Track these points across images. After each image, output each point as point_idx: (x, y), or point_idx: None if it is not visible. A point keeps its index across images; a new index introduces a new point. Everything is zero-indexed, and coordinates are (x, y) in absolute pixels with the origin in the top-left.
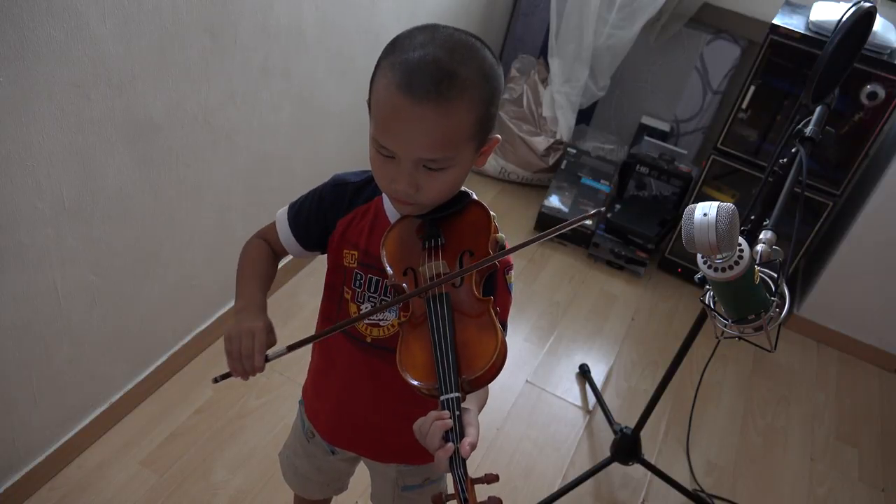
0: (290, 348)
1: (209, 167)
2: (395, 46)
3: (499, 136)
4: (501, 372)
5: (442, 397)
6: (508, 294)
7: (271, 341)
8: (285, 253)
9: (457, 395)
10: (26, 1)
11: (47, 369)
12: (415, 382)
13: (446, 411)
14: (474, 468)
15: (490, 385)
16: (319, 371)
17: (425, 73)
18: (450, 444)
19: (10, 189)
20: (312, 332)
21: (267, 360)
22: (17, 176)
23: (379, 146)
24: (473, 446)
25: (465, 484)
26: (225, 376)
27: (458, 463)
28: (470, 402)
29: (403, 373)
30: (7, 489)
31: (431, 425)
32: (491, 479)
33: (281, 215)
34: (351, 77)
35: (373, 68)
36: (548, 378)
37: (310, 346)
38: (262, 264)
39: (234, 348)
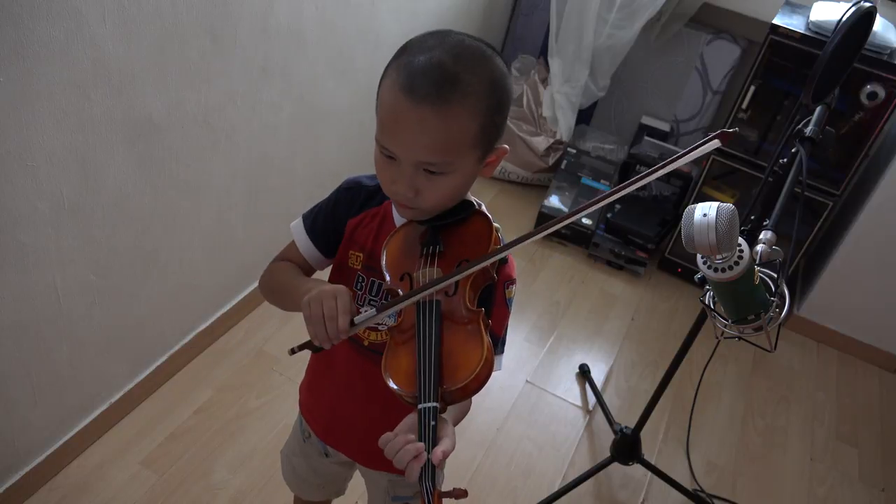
0: (379, 310)
1: (209, 167)
2: (405, 50)
3: (506, 147)
4: (485, 386)
5: (420, 406)
6: (506, 308)
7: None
8: (310, 270)
9: (435, 405)
10: (26, 1)
11: (47, 369)
12: (395, 388)
13: (415, 437)
14: (474, 468)
15: (489, 385)
16: (317, 370)
17: (427, 76)
18: (423, 454)
19: (10, 189)
20: None
21: (353, 325)
22: (17, 176)
23: (382, 147)
24: (446, 455)
25: (433, 497)
26: (304, 346)
27: (427, 475)
28: (447, 413)
29: (386, 377)
30: (7, 489)
31: (402, 449)
32: (459, 493)
33: (296, 227)
34: (351, 77)
35: (372, 68)
36: (548, 378)
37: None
38: (299, 271)
39: (315, 311)
